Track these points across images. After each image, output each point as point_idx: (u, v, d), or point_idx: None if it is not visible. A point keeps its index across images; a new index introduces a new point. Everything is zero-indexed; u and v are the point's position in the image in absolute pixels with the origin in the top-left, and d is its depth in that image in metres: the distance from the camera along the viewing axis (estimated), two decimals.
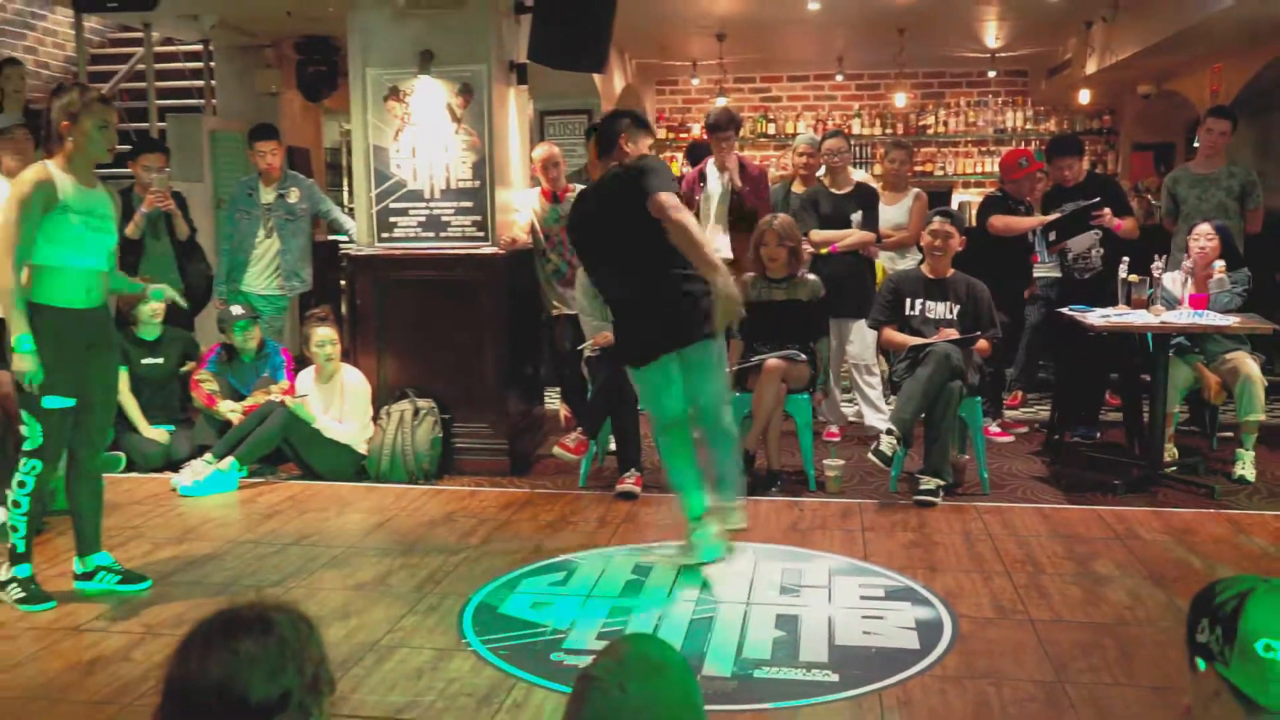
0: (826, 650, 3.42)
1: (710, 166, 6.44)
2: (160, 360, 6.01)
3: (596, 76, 8.63)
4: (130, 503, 5.16)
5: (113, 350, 4.07)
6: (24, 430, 3.83)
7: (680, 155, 11.28)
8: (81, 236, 3.79)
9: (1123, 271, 5.71)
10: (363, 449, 5.70)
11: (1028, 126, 11.06)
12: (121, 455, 5.77)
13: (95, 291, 3.88)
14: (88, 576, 4.02)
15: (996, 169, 8.18)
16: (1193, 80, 9.55)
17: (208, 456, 5.48)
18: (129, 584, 4.01)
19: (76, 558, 4.04)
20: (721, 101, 9.49)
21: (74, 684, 3.23)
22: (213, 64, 8.85)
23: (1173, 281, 5.77)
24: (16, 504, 3.85)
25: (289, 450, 5.65)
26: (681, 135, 11.45)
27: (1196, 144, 6.63)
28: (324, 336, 5.69)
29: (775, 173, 8.65)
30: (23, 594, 3.83)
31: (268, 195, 6.52)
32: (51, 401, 3.78)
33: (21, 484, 3.83)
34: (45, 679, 3.27)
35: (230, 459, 5.43)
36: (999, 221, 6.35)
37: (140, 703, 3.06)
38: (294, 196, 6.55)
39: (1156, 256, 5.75)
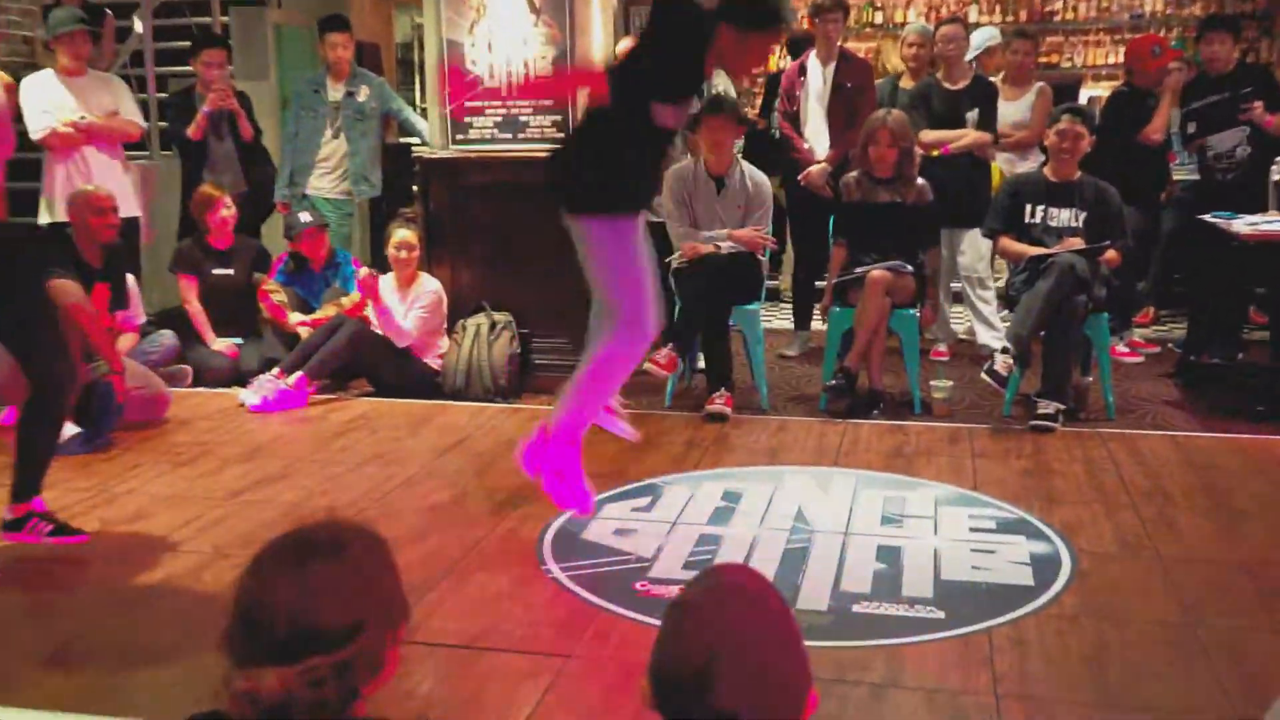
0: (932, 585, 3.39)
1: (812, 59, 6.29)
2: (231, 271, 6.12)
3: None
4: (197, 418, 5.31)
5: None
6: None
7: (779, 47, 11.06)
8: None
9: (1275, 174, 5.47)
10: (436, 364, 5.77)
11: (1169, 11, 10.54)
12: (188, 369, 5.92)
13: None
14: (16, 525, 3.70)
15: None
16: None
17: (275, 371, 5.58)
18: (63, 536, 3.73)
19: (11, 504, 3.73)
20: None
21: (142, 602, 3.35)
22: None
23: None
24: None
25: (360, 365, 5.74)
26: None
27: None
28: (402, 239, 5.73)
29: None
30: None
31: (335, 93, 6.55)
32: None
33: None
34: (115, 596, 3.40)
35: (299, 373, 5.53)
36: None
37: (209, 621, 3.15)
38: (363, 95, 6.56)
39: None
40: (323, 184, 6.59)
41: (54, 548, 3.68)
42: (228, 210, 6.01)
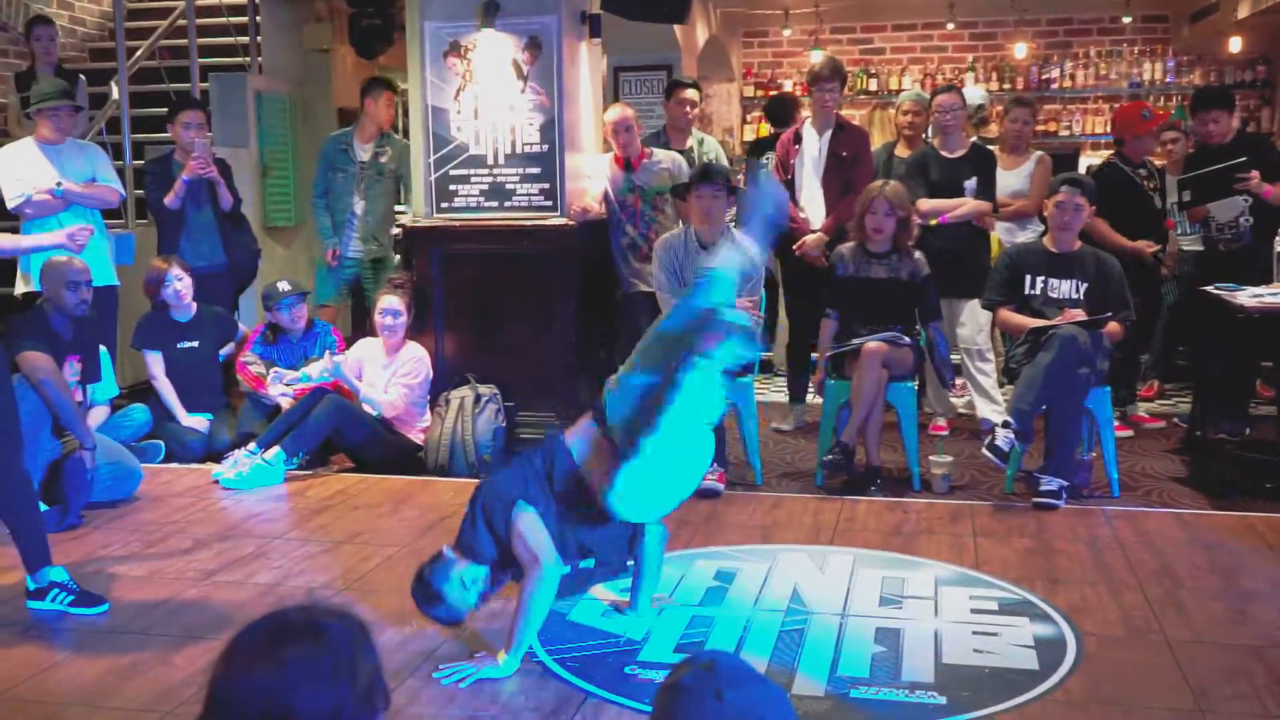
0: (933, 669, 3.39)
1: (808, 127, 6.39)
2: (195, 343, 6.08)
3: (677, 28, 8.60)
4: (170, 495, 5.30)
5: None
6: None
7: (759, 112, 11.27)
8: None
9: (1278, 245, 5.54)
10: (419, 438, 5.77)
11: (1168, 80, 10.76)
12: (161, 444, 5.91)
13: None
14: (40, 594, 3.87)
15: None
16: None
17: (251, 446, 5.56)
18: (83, 606, 3.86)
19: (28, 575, 3.90)
20: (817, 55, 9.38)
21: (113, 689, 3.33)
22: (258, 19, 8.98)
23: None
24: None
25: (340, 440, 5.74)
26: (772, 93, 11.36)
27: None
28: (388, 304, 5.77)
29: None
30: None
31: (363, 153, 6.74)
32: None
33: None
34: (83, 682, 3.38)
35: (276, 449, 5.52)
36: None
37: (182, 710, 3.14)
38: (386, 156, 6.75)
39: None
40: (352, 241, 6.81)
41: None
42: (180, 281, 6.00)
